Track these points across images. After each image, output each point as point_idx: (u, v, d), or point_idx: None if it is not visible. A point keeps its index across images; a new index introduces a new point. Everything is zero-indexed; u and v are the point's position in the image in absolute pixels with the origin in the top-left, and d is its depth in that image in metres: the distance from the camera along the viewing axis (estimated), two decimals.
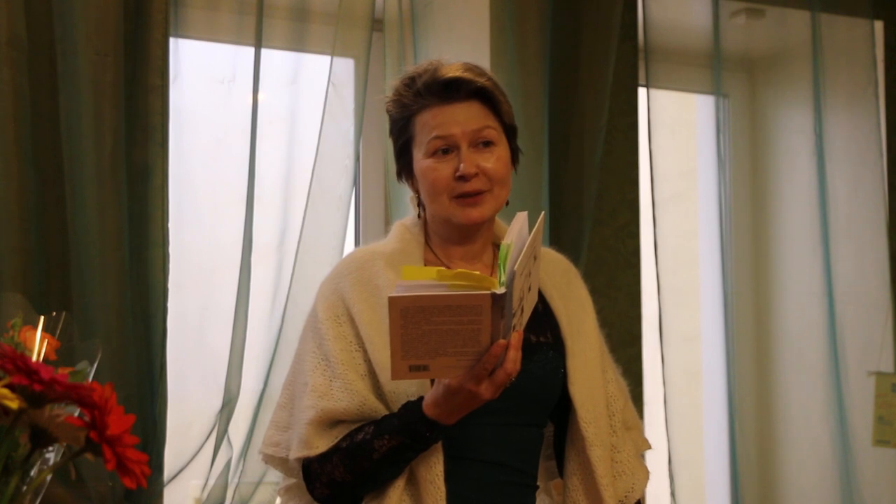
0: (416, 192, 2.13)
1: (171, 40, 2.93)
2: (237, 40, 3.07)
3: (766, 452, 3.80)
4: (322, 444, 1.98)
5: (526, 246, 1.78)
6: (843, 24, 3.79)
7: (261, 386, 2.95)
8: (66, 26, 2.79)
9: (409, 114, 2.09)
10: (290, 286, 2.98)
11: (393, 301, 1.74)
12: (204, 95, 3.07)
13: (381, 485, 1.98)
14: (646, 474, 2.18)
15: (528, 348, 1.93)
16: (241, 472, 2.92)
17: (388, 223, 3.22)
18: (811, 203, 3.74)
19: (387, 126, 3.19)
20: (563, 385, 2.10)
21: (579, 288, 2.23)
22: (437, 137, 2.04)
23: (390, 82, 2.14)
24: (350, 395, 1.98)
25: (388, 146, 3.15)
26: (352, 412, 1.98)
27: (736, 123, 3.90)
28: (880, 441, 3.61)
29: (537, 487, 2.14)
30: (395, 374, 1.82)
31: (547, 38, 3.31)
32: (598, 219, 3.43)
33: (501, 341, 1.80)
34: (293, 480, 2.11)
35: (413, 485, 1.98)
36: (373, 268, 2.08)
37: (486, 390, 1.86)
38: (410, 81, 2.09)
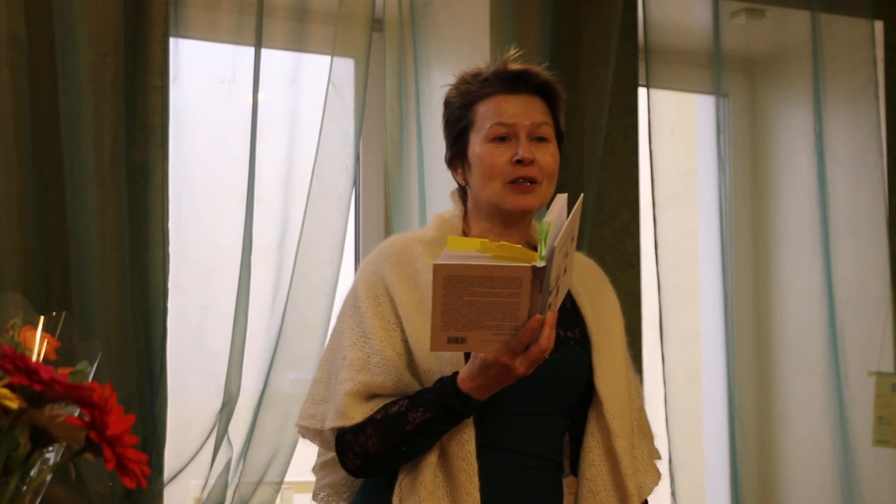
0: (464, 182, 2.19)
1: (171, 40, 2.93)
2: (237, 40, 3.07)
3: (766, 452, 3.79)
4: (358, 415, 2.04)
5: (566, 224, 1.84)
6: (843, 24, 3.79)
7: (261, 386, 2.95)
8: (66, 26, 2.79)
9: (471, 100, 2.16)
10: (290, 286, 2.98)
11: (437, 268, 1.80)
12: (204, 95, 3.07)
13: (412, 457, 2.04)
14: (657, 476, 2.25)
15: (556, 342, 1.99)
16: (241, 472, 2.92)
17: (388, 223, 3.22)
18: (811, 203, 3.73)
19: (386, 126, 3.21)
20: (588, 379, 2.16)
21: (609, 292, 2.31)
22: (498, 124, 2.12)
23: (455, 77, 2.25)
24: (387, 369, 2.05)
25: (389, 146, 3.16)
26: (388, 386, 2.05)
27: (736, 123, 3.89)
28: (880, 441, 3.61)
29: (562, 468, 2.20)
30: (434, 346, 1.88)
31: (547, 38, 3.31)
32: (598, 219, 3.43)
33: (538, 316, 1.86)
34: (328, 457, 2.18)
35: (445, 461, 2.04)
36: (413, 252, 2.15)
37: (520, 365, 1.92)
38: (478, 72, 2.18)
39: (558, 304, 1.94)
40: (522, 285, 1.81)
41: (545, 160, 2.13)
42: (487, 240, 1.85)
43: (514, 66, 2.17)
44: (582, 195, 1.95)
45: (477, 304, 1.82)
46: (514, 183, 2.11)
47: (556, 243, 1.80)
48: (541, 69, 2.19)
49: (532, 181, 2.11)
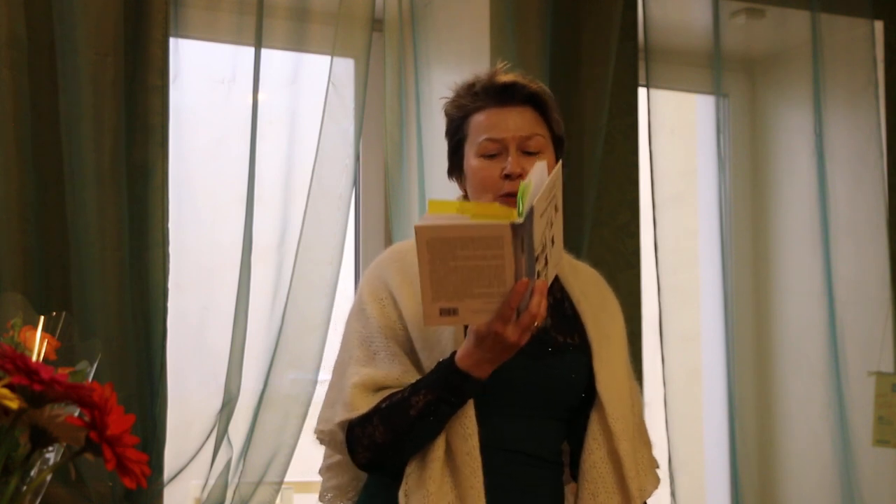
0: (465, 191, 2.23)
1: (171, 40, 2.93)
2: (237, 40, 3.07)
3: (766, 452, 3.79)
4: (364, 406, 2.07)
5: (544, 187, 1.84)
6: (843, 24, 3.79)
7: (261, 386, 2.95)
8: (66, 26, 2.79)
9: (464, 113, 2.20)
10: (290, 286, 2.98)
11: (419, 231, 1.82)
12: (204, 95, 3.07)
13: (420, 446, 2.05)
14: (656, 480, 2.28)
15: (554, 347, 2.14)
16: (241, 472, 2.91)
17: (388, 223, 3.22)
18: (811, 203, 3.73)
19: (386, 126, 3.22)
20: (589, 384, 2.18)
21: (610, 300, 2.33)
22: (488, 139, 2.15)
23: (452, 85, 2.27)
24: (392, 362, 2.09)
25: (389, 146, 3.17)
26: (394, 377, 2.08)
27: (736, 123, 3.89)
28: (880, 441, 3.61)
29: (562, 469, 2.22)
30: (428, 320, 1.90)
31: (547, 38, 3.31)
32: (598, 219, 3.43)
33: (525, 279, 1.86)
34: (334, 459, 2.21)
35: (451, 456, 2.05)
36: (414, 257, 2.15)
37: (512, 333, 1.93)
38: (471, 84, 2.21)
39: (551, 278, 1.96)
40: (504, 245, 1.81)
41: None
42: (465, 201, 1.87)
43: (503, 78, 2.18)
44: (560, 162, 2.00)
45: (463, 269, 1.83)
46: (506, 196, 2.13)
47: (534, 202, 1.80)
48: (529, 79, 2.19)
49: None
